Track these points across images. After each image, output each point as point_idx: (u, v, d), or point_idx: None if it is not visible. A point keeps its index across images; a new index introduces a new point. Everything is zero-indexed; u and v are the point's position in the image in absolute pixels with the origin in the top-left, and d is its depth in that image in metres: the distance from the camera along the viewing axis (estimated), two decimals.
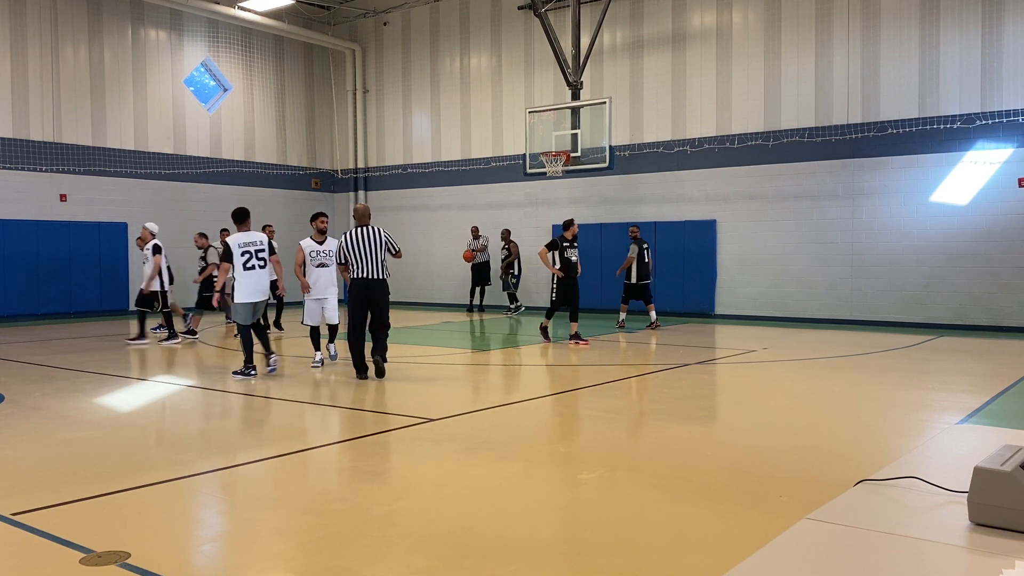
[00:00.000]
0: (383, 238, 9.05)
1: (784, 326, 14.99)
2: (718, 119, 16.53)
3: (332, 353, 10.29)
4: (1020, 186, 13.59)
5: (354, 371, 9.10)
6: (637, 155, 17.39)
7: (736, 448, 5.95)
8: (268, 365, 9.38)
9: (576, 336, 12.25)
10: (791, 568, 3.53)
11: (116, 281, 17.93)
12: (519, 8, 19.06)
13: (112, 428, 6.93)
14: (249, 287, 9.17)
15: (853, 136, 15.00)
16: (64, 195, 17.31)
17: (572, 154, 15.05)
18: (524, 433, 6.61)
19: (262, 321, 9.80)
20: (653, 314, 14.39)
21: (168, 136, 19.17)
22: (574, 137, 15.14)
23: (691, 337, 13.44)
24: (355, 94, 22.22)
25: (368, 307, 9.02)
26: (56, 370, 9.86)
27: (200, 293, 13.41)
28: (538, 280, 18.71)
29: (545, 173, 15.47)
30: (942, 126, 14.18)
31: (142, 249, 12.90)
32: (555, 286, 12.53)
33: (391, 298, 9.81)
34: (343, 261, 9.07)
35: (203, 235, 14.08)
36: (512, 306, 18.12)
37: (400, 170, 21.61)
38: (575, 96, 15.68)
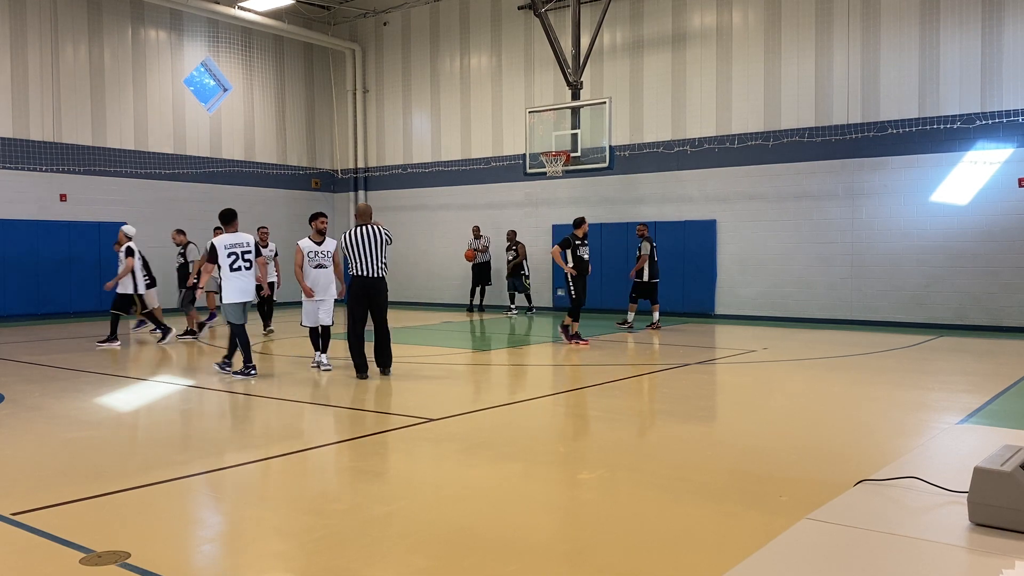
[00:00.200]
0: (383, 237, 9.18)
1: (784, 326, 14.99)
2: (718, 119, 16.53)
3: (325, 362, 9.70)
4: (1020, 186, 13.58)
5: (354, 371, 9.14)
6: (637, 155, 17.38)
7: (736, 448, 5.95)
8: (220, 366, 9.41)
9: (576, 336, 12.25)
10: (791, 568, 3.53)
11: None
12: (519, 8, 19.06)
13: (112, 428, 6.93)
14: (237, 288, 9.21)
15: (853, 136, 15.00)
16: (64, 195, 17.31)
17: (572, 154, 15.05)
18: (524, 433, 6.61)
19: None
20: (656, 314, 14.38)
21: (168, 136, 19.17)
22: (574, 137, 15.14)
23: (691, 337, 13.44)
24: (355, 94, 22.22)
25: (368, 305, 9.15)
26: (56, 370, 9.86)
27: (192, 290, 13.27)
28: (539, 280, 18.71)
29: (545, 173, 15.47)
30: (942, 126, 14.18)
31: (118, 252, 12.94)
32: (571, 285, 12.42)
33: (389, 298, 9.81)
34: (344, 260, 9.09)
35: (180, 232, 13.97)
36: (529, 307, 18.18)
37: (400, 170, 21.61)
38: (575, 96, 15.68)
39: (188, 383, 9.06)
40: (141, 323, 14.05)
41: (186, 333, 13.30)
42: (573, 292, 12.35)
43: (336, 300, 9.97)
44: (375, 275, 9.08)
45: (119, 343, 12.33)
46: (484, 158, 19.91)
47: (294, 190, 21.80)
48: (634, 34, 17.56)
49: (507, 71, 19.50)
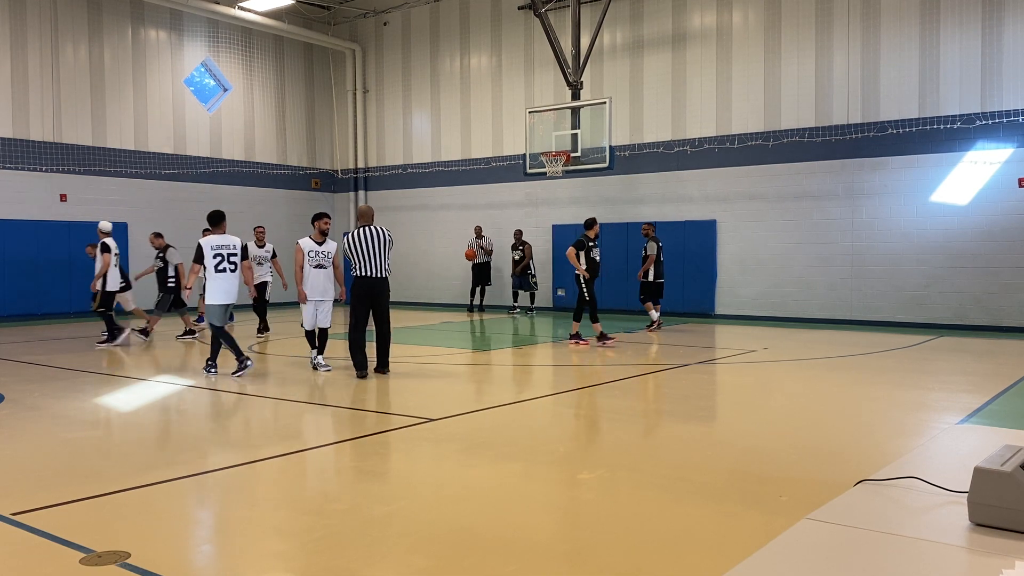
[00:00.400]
0: (387, 238, 9.24)
1: (784, 326, 14.99)
2: (718, 119, 16.54)
3: (322, 363, 9.66)
4: (1020, 186, 13.59)
5: (354, 370, 9.15)
6: (637, 155, 17.39)
7: (736, 448, 5.95)
8: (206, 370, 9.43)
9: (576, 336, 12.26)
10: (791, 568, 3.53)
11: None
12: (519, 8, 19.06)
13: (112, 428, 6.94)
14: (221, 289, 9.23)
15: (853, 136, 15.00)
16: (64, 195, 17.32)
17: (572, 154, 15.05)
18: (524, 433, 6.61)
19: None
20: (658, 314, 14.35)
21: (168, 136, 19.17)
22: (574, 137, 15.14)
23: (691, 337, 13.44)
24: (355, 94, 22.23)
25: (370, 306, 9.20)
26: (56, 370, 9.86)
27: (170, 293, 13.13)
28: (541, 280, 18.70)
29: (545, 173, 15.47)
30: (942, 126, 14.18)
31: (92, 255, 12.81)
32: (585, 287, 12.22)
33: (390, 298, 9.83)
34: (346, 261, 9.11)
35: (158, 235, 13.56)
36: (530, 307, 18.18)
37: (400, 170, 21.61)
38: (575, 96, 15.69)
39: (188, 383, 9.06)
40: (190, 332, 13.47)
41: (185, 333, 13.29)
42: (587, 295, 12.23)
43: (336, 302, 9.97)
44: (378, 276, 9.14)
45: (120, 339, 12.33)
46: (484, 158, 19.91)
47: (294, 190, 21.80)
48: (634, 34, 17.56)
49: (507, 71, 19.50)
